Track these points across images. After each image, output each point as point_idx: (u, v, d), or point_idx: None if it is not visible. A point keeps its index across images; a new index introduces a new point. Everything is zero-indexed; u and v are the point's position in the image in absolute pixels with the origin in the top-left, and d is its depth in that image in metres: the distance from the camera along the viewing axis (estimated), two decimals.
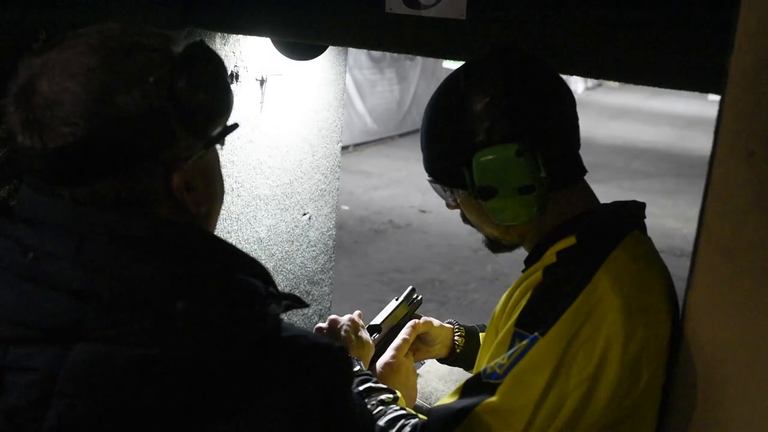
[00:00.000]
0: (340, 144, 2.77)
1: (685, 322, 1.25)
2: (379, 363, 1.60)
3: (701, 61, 1.29)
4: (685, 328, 1.25)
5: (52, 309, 0.90)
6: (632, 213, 1.45)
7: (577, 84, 22.49)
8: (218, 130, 1.04)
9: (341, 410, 1.00)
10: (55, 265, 0.91)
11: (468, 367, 1.85)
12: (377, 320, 1.69)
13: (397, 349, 1.62)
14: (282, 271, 2.59)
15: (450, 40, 1.65)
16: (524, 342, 1.26)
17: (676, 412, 1.29)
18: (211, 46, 2.00)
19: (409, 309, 1.76)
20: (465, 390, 1.31)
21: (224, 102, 1.04)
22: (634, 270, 1.32)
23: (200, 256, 0.97)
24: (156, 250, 0.93)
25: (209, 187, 1.06)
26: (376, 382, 1.46)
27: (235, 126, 1.07)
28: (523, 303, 1.33)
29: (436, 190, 1.50)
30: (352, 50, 10.58)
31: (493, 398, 1.25)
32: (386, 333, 1.68)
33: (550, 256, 1.38)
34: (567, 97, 1.40)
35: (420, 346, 1.75)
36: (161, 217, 0.99)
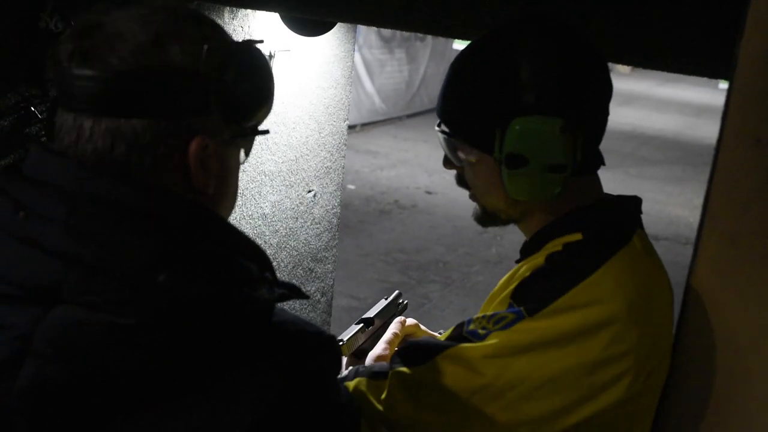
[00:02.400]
0: (347, 122, 2.76)
1: (686, 309, 1.25)
2: (371, 355, 1.59)
3: (711, 46, 1.28)
4: (686, 315, 1.25)
5: (34, 269, 0.90)
6: (635, 211, 1.39)
7: None
8: (249, 125, 1.06)
9: (323, 399, 0.99)
10: (43, 226, 0.92)
11: None
12: (370, 314, 1.70)
13: (389, 342, 1.61)
14: (286, 247, 2.59)
15: (459, 20, 1.64)
16: (511, 315, 1.25)
17: (675, 398, 1.29)
18: (219, 20, 2.00)
19: (396, 311, 1.77)
20: (448, 338, 1.32)
21: (262, 103, 1.07)
22: (639, 272, 1.28)
23: (195, 232, 0.96)
24: (149, 222, 0.93)
25: (222, 180, 1.06)
26: None
27: (266, 132, 1.10)
28: (523, 277, 1.31)
29: (443, 142, 1.39)
30: (361, 29, 10.55)
31: (471, 345, 1.26)
32: (378, 327, 1.70)
33: (554, 246, 1.33)
34: (609, 81, 1.33)
35: None
36: (166, 188, 0.99)
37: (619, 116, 14.85)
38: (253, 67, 1.05)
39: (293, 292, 1.05)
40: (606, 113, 1.33)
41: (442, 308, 5.87)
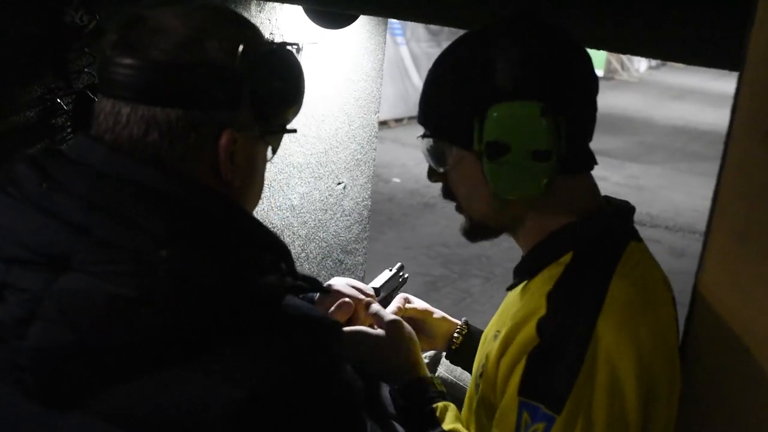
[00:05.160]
0: (378, 114, 2.76)
1: (695, 305, 1.23)
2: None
3: (719, 35, 1.25)
4: (695, 310, 1.23)
5: (49, 237, 0.95)
6: (624, 221, 1.33)
7: (640, 63, 22.10)
8: (278, 123, 1.13)
9: (324, 382, 1.01)
10: (61, 197, 0.97)
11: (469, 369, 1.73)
12: (376, 284, 1.70)
13: (395, 313, 1.63)
14: (315, 239, 2.61)
15: (482, 13, 1.63)
16: (540, 425, 1.16)
17: (684, 397, 1.27)
18: (246, 14, 2.02)
19: (398, 284, 1.78)
20: None
21: (292, 103, 1.14)
22: (635, 303, 1.21)
23: (210, 217, 1.01)
24: (166, 202, 0.98)
25: (248, 174, 1.12)
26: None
27: (294, 131, 1.16)
28: (521, 367, 1.21)
29: (425, 151, 1.36)
30: (409, 23, 10.48)
31: None
32: (382, 299, 1.70)
33: (539, 300, 1.24)
34: (594, 76, 1.29)
35: (421, 336, 1.67)
36: (195, 178, 1.04)
37: (671, 111, 14.65)
38: (286, 68, 1.12)
39: (313, 285, 1.10)
40: (592, 108, 1.29)
41: (483, 303, 5.84)
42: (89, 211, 0.95)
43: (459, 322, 1.77)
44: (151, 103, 1.01)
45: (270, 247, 1.05)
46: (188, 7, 1.06)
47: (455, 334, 1.74)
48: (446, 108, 1.28)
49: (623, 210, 1.34)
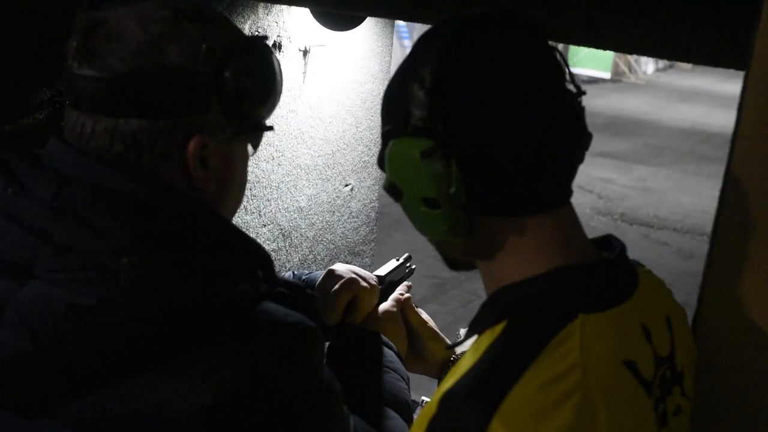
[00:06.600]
0: None
1: (702, 303, 1.23)
2: (381, 308, 1.59)
3: (725, 33, 1.25)
4: (703, 308, 1.23)
5: (12, 244, 0.94)
6: (585, 284, 1.06)
7: (647, 65, 22.08)
8: (252, 122, 1.08)
9: (296, 387, 1.00)
10: (26, 203, 0.96)
11: None
12: (381, 272, 1.71)
13: (397, 300, 1.63)
14: (322, 240, 2.61)
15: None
16: None
17: (693, 398, 1.27)
18: (253, 16, 2.02)
19: (405, 274, 1.78)
20: None
21: (265, 99, 1.08)
22: (540, 412, 0.92)
23: (179, 222, 0.99)
24: (132, 207, 0.96)
25: (225, 176, 1.08)
26: None
27: (270, 128, 1.11)
28: None
29: None
30: (416, 25, 10.40)
31: None
32: (387, 286, 1.71)
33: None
34: (535, 106, 1.00)
35: (412, 356, 1.62)
36: (167, 182, 1.02)
37: (679, 113, 14.63)
38: (255, 63, 1.06)
39: (294, 292, 1.08)
40: (534, 128, 1.00)
41: None
42: (53, 216, 0.94)
43: (457, 353, 1.62)
44: (113, 115, 0.98)
45: (246, 253, 1.04)
46: (147, 8, 1.02)
47: (449, 364, 1.62)
48: (382, 136, 1.10)
49: (591, 266, 1.08)
